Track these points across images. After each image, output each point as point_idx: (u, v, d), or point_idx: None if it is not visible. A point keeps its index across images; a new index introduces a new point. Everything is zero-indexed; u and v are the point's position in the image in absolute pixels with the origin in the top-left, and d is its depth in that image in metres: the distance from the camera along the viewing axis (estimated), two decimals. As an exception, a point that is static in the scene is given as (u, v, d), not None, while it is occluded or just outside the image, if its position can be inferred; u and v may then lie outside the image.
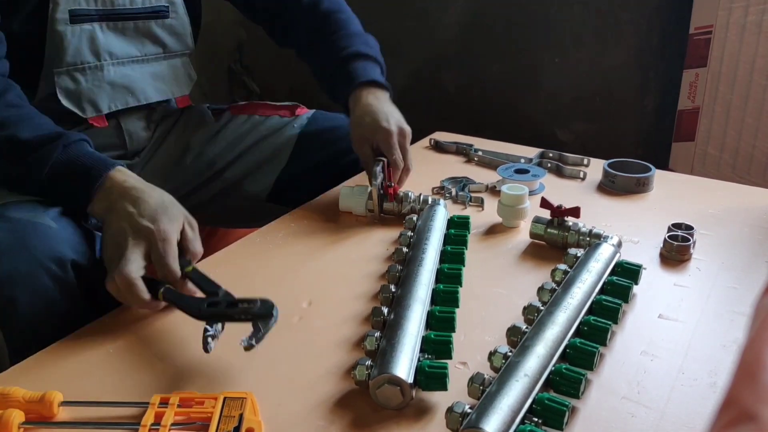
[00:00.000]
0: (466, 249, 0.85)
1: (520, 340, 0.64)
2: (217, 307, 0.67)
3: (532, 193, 1.03)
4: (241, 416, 0.57)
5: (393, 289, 0.74)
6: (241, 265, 0.86)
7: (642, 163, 1.09)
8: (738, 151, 1.72)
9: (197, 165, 1.13)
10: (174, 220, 0.76)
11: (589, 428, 0.58)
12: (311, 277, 0.83)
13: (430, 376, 0.60)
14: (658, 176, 1.09)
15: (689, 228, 0.88)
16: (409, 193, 0.96)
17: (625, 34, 1.85)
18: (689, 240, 0.86)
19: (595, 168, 1.15)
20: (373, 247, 0.90)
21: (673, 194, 1.06)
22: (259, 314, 0.65)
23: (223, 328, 0.66)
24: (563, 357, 0.64)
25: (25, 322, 0.74)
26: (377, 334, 0.66)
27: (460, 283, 0.77)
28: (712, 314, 0.75)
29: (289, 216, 0.99)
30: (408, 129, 1.03)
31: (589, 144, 1.96)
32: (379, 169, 0.96)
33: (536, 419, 0.56)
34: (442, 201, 0.95)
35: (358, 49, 1.09)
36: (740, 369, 0.33)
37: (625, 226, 0.95)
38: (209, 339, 0.63)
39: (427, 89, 2.21)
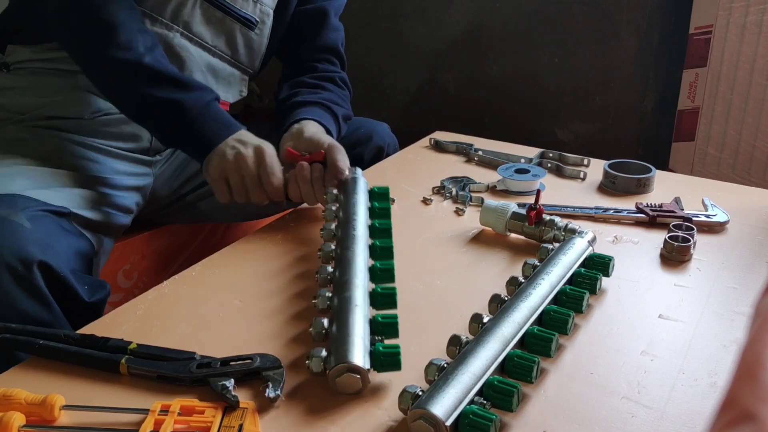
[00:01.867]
0: (390, 220, 0.86)
1: (481, 327, 0.65)
2: (210, 368, 0.63)
3: (530, 193, 1.03)
4: (240, 426, 0.56)
5: (330, 270, 0.75)
6: (241, 265, 0.86)
7: (642, 164, 1.09)
8: (738, 151, 1.72)
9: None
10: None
11: (589, 428, 0.58)
12: (311, 278, 0.83)
13: (386, 359, 0.62)
14: (659, 177, 1.09)
15: (690, 228, 0.88)
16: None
17: (625, 34, 1.85)
18: (689, 240, 0.86)
19: (595, 168, 1.15)
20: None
21: (673, 195, 1.06)
22: (265, 368, 0.63)
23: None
24: (522, 344, 0.66)
25: None
26: (325, 320, 0.66)
27: (391, 257, 0.79)
28: (713, 314, 0.75)
29: (289, 216, 0.99)
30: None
31: (589, 144, 1.96)
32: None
33: (485, 402, 0.57)
34: (358, 170, 0.94)
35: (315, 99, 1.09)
36: (740, 369, 0.33)
37: (625, 226, 0.95)
38: (232, 391, 0.60)
39: (427, 89, 2.21)
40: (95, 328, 0.72)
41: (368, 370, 0.61)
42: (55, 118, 0.99)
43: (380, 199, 0.91)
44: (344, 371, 0.60)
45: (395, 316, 0.67)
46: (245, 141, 0.93)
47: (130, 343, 0.67)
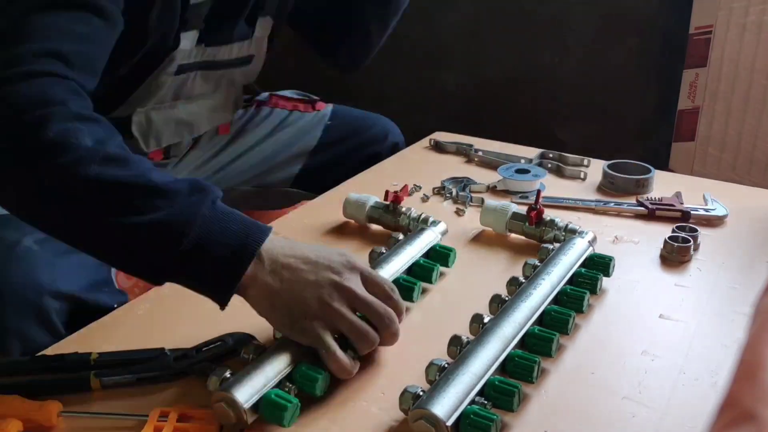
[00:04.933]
0: (419, 282, 0.77)
1: (481, 328, 0.65)
2: (189, 358, 0.63)
3: (530, 193, 1.03)
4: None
5: None
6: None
7: (642, 165, 1.09)
8: (738, 151, 1.72)
9: (224, 159, 1.16)
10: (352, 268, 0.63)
11: (590, 428, 0.58)
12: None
13: (267, 409, 0.56)
14: (658, 177, 1.09)
15: (693, 230, 0.88)
16: (411, 210, 0.91)
17: (625, 34, 1.85)
18: (689, 241, 0.86)
19: (595, 168, 1.15)
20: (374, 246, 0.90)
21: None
22: (241, 343, 0.63)
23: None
24: (522, 344, 0.65)
25: None
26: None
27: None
28: (713, 314, 0.75)
29: (290, 216, 0.99)
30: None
31: (589, 144, 1.96)
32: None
33: (486, 402, 0.57)
34: (442, 226, 0.88)
35: None
36: (740, 369, 0.33)
37: (626, 227, 0.95)
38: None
39: (427, 89, 2.21)
40: (96, 330, 0.72)
41: (245, 410, 0.55)
42: None
43: (436, 258, 0.82)
44: (220, 399, 0.55)
45: (320, 372, 0.59)
46: (315, 260, 0.62)
47: (89, 354, 0.63)
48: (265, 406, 0.56)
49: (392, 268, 0.76)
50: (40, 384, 0.60)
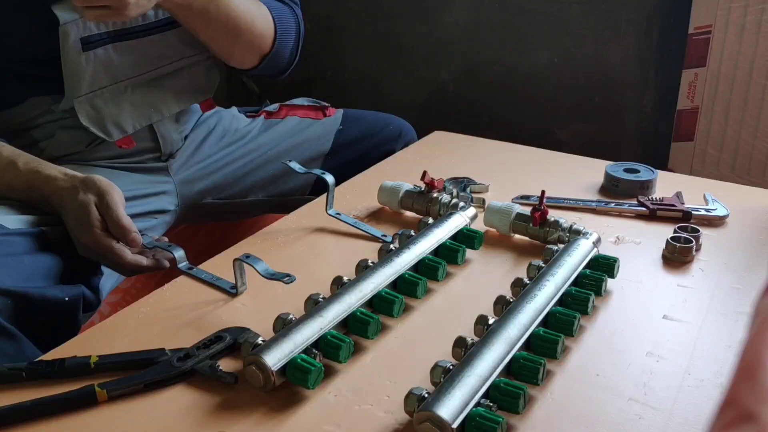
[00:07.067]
0: (443, 263, 0.80)
1: (486, 329, 0.65)
2: (193, 357, 0.64)
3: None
4: None
5: (345, 280, 0.73)
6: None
7: (645, 166, 1.09)
8: (737, 150, 1.73)
9: (237, 172, 1.16)
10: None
11: (596, 430, 0.58)
12: (312, 280, 0.82)
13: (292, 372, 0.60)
14: (659, 177, 1.09)
15: (695, 230, 0.88)
16: (443, 196, 0.94)
17: (624, 34, 1.85)
18: (692, 242, 0.86)
19: (596, 168, 1.15)
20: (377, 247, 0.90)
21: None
22: (240, 338, 0.66)
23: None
24: (527, 346, 0.65)
25: None
26: (292, 316, 0.66)
27: (414, 293, 0.74)
28: (717, 315, 0.75)
29: (291, 218, 0.99)
30: None
31: (589, 144, 1.96)
32: None
33: (491, 404, 0.57)
34: (471, 211, 0.91)
35: None
36: (740, 369, 0.32)
37: (627, 227, 0.95)
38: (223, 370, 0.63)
39: (427, 89, 2.20)
40: (96, 333, 0.72)
41: (273, 372, 0.60)
42: (56, 157, 0.97)
43: (463, 240, 0.85)
44: (250, 363, 0.61)
45: (344, 340, 0.64)
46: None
47: (88, 358, 0.62)
48: (291, 369, 0.61)
49: (419, 249, 0.79)
50: (45, 403, 0.58)
